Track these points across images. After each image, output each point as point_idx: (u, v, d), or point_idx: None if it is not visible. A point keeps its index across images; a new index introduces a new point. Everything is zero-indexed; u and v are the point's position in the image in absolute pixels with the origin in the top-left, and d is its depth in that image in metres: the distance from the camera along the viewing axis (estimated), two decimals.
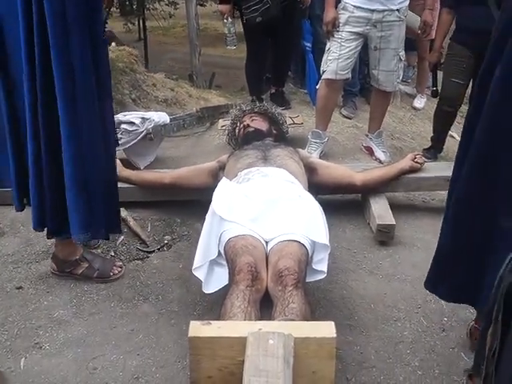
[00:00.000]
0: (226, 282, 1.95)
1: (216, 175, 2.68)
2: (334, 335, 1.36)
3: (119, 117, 3.08)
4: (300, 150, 2.88)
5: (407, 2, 3.26)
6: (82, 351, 1.90)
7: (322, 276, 1.99)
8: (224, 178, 2.44)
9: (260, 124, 2.96)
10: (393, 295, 2.22)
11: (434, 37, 4.15)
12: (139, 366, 1.83)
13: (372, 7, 3.16)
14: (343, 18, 3.25)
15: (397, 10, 3.19)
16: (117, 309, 2.13)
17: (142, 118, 3.14)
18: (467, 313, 2.04)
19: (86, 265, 2.28)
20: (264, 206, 2.10)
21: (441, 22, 3.76)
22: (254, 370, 1.26)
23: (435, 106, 3.91)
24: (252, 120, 2.99)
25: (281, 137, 3.01)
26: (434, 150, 3.86)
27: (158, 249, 2.53)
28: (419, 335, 2.00)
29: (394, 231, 2.58)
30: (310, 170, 2.68)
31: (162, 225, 2.72)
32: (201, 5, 10.99)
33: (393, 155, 3.80)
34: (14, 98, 1.92)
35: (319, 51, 3.90)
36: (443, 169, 2.80)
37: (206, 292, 2.01)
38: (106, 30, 2.07)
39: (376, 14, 3.18)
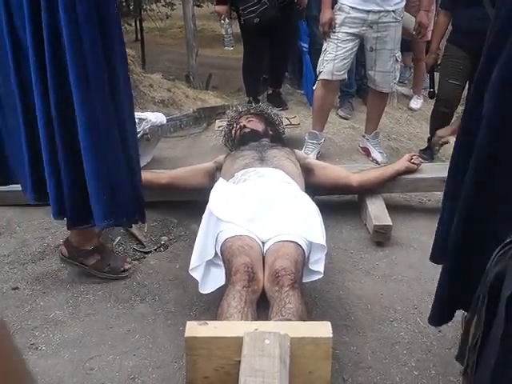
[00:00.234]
0: (222, 282, 1.95)
1: (213, 176, 2.69)
2: (331, 335, 1.36)
3: None
4: (297, 150, 2.88)
5: (403, 4, 3.27)
6: (79, 352, 1.89)
7: (319, 276, 1.99)
8: (221, 178, 2.44)
9: (256, 125, 2.96)
10: (389, 296, 2.22)
11: (429, 38, 4.17)
12: (136, 366, 1.83)
13: (368, 8, 3.17)
14: (339, 18, 3.25)
15: (393, 11, 3.20)
16: (113, 309, 2.12)
17: (139, 119, 3.13)
18: (464, 313, 2.05)
19: (99, 257, 2.27)
20: (261, 206, 2.10)
21: (437, 24, 3.77)
22: (250, 370, 1.26)
23: (432, 106, 3.93)
24: (248, 121, 2.99)
25: (277, 137, 3.02)
26: (431, 150, 3.87)
27: (155, 249, 2.53)
28: (416, 336, 2.00)
29: (390, 232, 2.58)
30: (306, 170, 2.68)
31: (159, 225, 2.71)
32: (198, 6, 10.98)
33: (389, 156, 3.81)
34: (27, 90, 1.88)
35: (316, 52, 3.91)
36: (439, 170, 2.81)
37: (202, 292, 2.00)
38: None
39: (372, 15, 3.18)
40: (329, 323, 1.40)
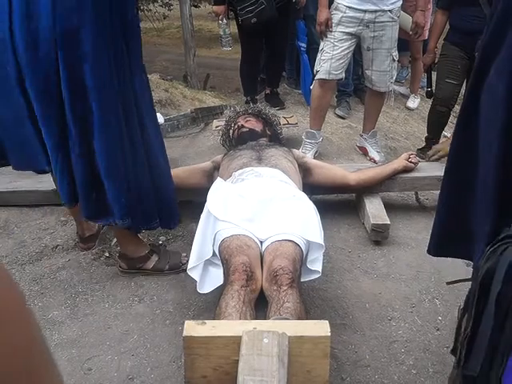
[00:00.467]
0: (220, 282, 1.95)
1: (211, 175, 2.69)
2: (329, 334, 1.36)
3: None
4: (294, 150, 2.89)
5: (400, 3, 3.27)
6: (77, 352, 1.89)
7: (317, 275, 2.00)
8: (218, 178, 2.45)
9: (254, 124, 2.96)
10: (387, 294, 2.22)
11: (426, 37, 4.17)
12: (134, 366, 1.83)
13: (364, 7, 3.17)
14: (336, 18, 3.26)
15: (389, 10, 3.20)
16: (111, 309, 2.12)
17: None
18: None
19: (157, 258, 2.30)
20: (258, 205, 2.10)
21: (435, 23, 3.78)
22: (248, 369, 1.26)
23: (429, 106, 3.94)
24: (246, 121, 3.00)
25: (275, 137, 3.02)
26: (428, 149, 3.87)
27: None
28: (414, 334, 2.00)
29: (388, 231, 2.59)
30: (304, 169, 2.69)
31: None
32: (195, 6, 10.97)
33: (387, 155, 3.82)
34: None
35: (313, 51, 3.91)
36: (437, 168, 2.82)
37: (200, 292, 2.01)
38: None
39: (368, 15, 3.19)
40: (327, 322, 1.41)
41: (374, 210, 2.69)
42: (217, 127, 3.66)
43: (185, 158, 3.51)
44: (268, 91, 4.62)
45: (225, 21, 4.16)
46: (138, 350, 1.90)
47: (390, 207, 2.78)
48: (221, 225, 2.03)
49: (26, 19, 1.70)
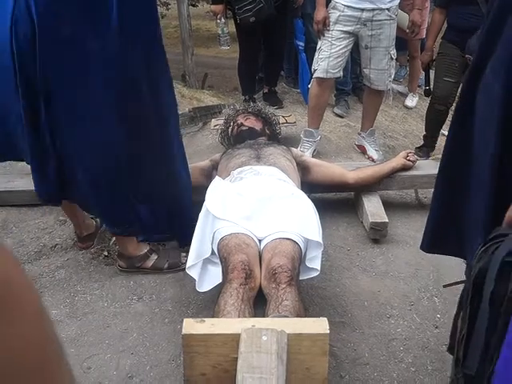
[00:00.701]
0: (219, 280, 1.95)
1: (209, 174, 2.69)
2: (327, 331, 1.36)
3: None
4: (293, 148, 2.89)
5: (397, 1, 3.27)
6: (76, 351, 1.89)
7: (316, 273, 2.00)
8: (217, 176, 2.44)
9: (253, 123, 2.96)
10: (386, 292, 2.22)
11: (424, 36, 4.16)
12: (133, 365, 1.83)
13: (362, 6, 3.17)
14: (333, 16, 3.26)
15: (387, 9, 3.20)
16: (110, 308, 2.12)
17: None
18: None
19: (156, 257, 2.30)
20: (257, 204, 2.10)
21: (432, 22, 3.78)
22: (247, 366, 1.26)
23: (427, 104, 3.93)
24: (246, 119, 2.99)
25: (273, 137, 3.02)
26: (427, 148, 3.88)
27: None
28: (412, 332, 2.00)
29: (386, 229, 2.59)
30: (302, 168, 2.69)
31: None
32: (193, 5, 10.98)
33: (385, 154, 3.82)
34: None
35: (311, 50, 3.91)
36: (435, 167, 2.80)
37: (199, 291, 2.01)
38: None
39: (366, 13, 3.19)
40: (326, 319, 1.41)
41: (373, 208, 2.69)
42: (215, 126, 3.66)
43: None
44: (266, 90, 4.61)
45: (223, 20, 4.16)
46: (137, 348, 1.91)
47: (388, 205, 2.78)
48: (219, 223, 2.03)
49: None
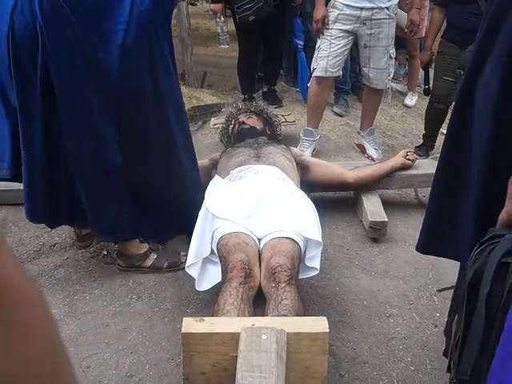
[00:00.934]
0: (219, 279, 1.95)
1: (208, 173, 2.68)
2: (327, 330, 1.37)
3: None
4: (292, 147, 2.89)
5: (396, 0, 3.28)
6: (75, 350, 1.89)
7: (315, 273, 2.00)
8: (216, 175, 2.44)
9: (255, 122, 2.96)
10: (385, 291, 2.23)
11: (423, 35, 4.16)
12: (132, 364, 1.83)
13: (361, 5, 3.17)
14: (333, 15, 3.26)
15: (386, 8, 3.21)
16: (109, 307, 2.12)
17: None
18: None
19: (155, 256, 2.30)
20: (256, 203, 2.10)
21: (432, 21, 3.77)
22: (247, 365, 1.26)
23: (426, 103, 3.93)
24: (248, 118, 2.99)
25: (273, 138, 3.02)
26: (426, 147, 3.88)
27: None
28: (412, 331, 2.01)
29: (386, 228, 2.59)
30: (302, 167, 2.69)
31: None
32: (192, 4, 10.95)
33: (385, 152, 3.82)
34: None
35: (311, 49, 3.91)
36: (435, 166, 2.80)
37: (199, 290, 2.01)
38: None
39: (365, 12, 3.19)
40: (325, 318, 1.41)
41: (372, 207, 2.69)
42: (214, 125, 3.66)
43: None
44: (265, 89, 4.61)
45: (222, 19, 4.15)
46: (137, 347, 1.91)
47: (387, 204, 2.78)
48: (219, 222, 2.03)
49: None
